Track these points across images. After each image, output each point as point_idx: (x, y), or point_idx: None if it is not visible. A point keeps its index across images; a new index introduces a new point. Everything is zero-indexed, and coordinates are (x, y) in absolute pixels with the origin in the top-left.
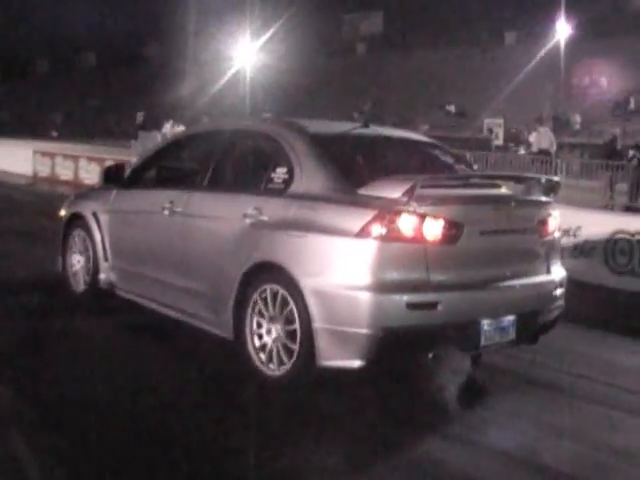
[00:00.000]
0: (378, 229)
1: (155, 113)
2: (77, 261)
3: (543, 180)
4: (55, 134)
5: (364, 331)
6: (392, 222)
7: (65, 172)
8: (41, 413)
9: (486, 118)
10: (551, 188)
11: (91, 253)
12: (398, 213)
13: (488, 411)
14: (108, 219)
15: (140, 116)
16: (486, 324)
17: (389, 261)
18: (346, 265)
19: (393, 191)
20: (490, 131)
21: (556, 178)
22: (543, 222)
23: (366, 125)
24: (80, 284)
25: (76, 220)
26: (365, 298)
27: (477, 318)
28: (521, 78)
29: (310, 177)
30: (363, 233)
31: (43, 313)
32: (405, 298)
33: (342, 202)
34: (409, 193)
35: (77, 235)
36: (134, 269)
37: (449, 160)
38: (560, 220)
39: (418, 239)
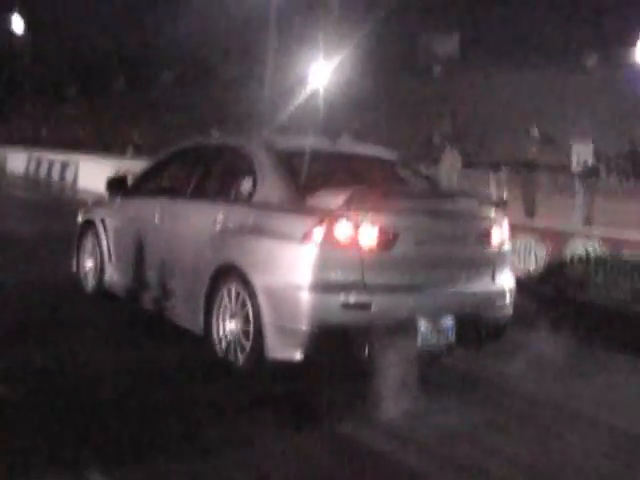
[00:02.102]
0: (318, 235)
1: (230, 131)
2: (88, 263)
3: (491, 197)
4: (132, 151)
5: (303, 327)
6: (330, 229)
7: None
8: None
9: (574, 143)
10: (498, 204)
11: (98, 256)
12: (335, 221)
13: (423, 403)
14: (113, 225)
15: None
16: (423, 326)
17: (327, 264)
18: (290, 267)
19: (333, 201)
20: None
21: (500, 194)
22: (485, 234)
23: (333, 142)
24: (90, 283)
25: (88, 226)
26: (304, 297)
27: (413, 319)
28: (605, 102)
29: (269, 188)
30: (305, 238)
31: (56, 307)
32: (340, 298)
33: (290, 210)
34: (347, 203)
35: (89, 240)
36: (128, 271)
37: (407, 176)
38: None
39: (354, 245)
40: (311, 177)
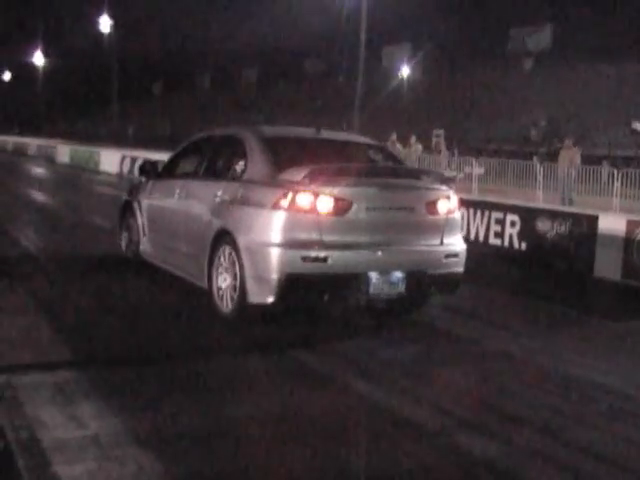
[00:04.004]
0: (284, 203)
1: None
2: (127, 236)
3: (442, 175)
4: None
5: (273, 276)
6: (293, 199)
7: None
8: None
9: None
10: (447, 180)
11: (135, 231)
12: (297, 192)
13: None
14: (145, 204)
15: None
16: (374, 277)
17: (291, 226)
18: (264, 229)
19: (298, 176)
20: None
21: (450, 173)
22: (432, 203)
23: (318, 131)
24: (129, 252)
25: (128, 205)
26: (274, 252)
27: (365, 272)
28: None
29: (255, 167)
30: (275, 206)
31: (103, 269)
32: (302, 253)
33: (266, 184)
34: (307, 177)
35: (129, 217)
36: (158, 241)
37: (376, 158)
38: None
39: (313, 211)
40: (290, 158)
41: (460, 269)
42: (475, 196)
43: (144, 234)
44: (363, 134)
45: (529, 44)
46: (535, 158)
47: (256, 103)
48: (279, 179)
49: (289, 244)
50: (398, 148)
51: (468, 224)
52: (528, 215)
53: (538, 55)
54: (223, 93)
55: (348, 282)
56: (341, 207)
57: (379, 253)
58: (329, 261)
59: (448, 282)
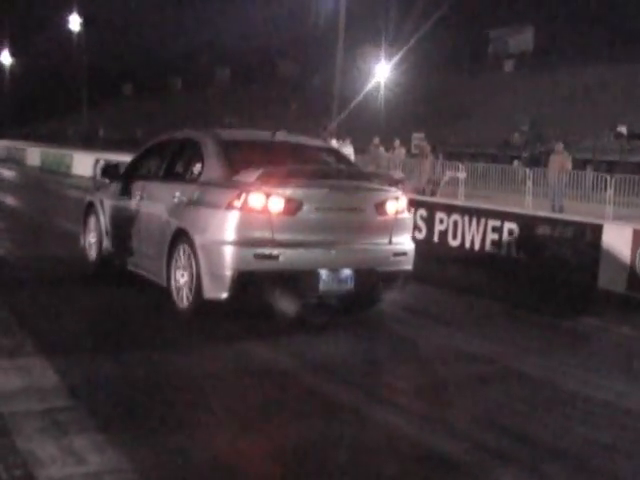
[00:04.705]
0: (237, 203)
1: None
2: (91, 237)
3: (391, 176)
4: None
5: (227, 273)
6: (245, 199)
7: None
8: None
9: None
10: (396, 182)
11: (98, 231)
12: (250, 192)
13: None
14: (107, 205)
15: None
16: (324, 274)
17: (244, 225)
18: (218, 228)
19: (251, 177)
20: None
21: (398, 175)
22: (381, 204)
23: (273, 134)
24: (93, 254)
25: (91, 206)
26: (227, 250)
27: (315, 269)
28: None
29: (210, 169)
30: (229, 206)
31: (66, 270)
32: (254, 251)
33: (220, 186)
34: (259, 179)
35: (92, 218)
36: (120, 241)
37: (329, 160)
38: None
39: (265, 211)
40: (244, 161)
41: (409, 267)
42: (471, 203)
43: (107, 234)
44: (341, 137)
45: (510, 46)
46: (516, 162)
47: (228, 105)
48: (233, 181)
49: (242, 242)
50: (381, 152)
51: (463, 232)
52: (527, 223)
53: (519, 57)
54: (196, 94)
55: (299, 279)
56: (292, 207)
57: (329, 251)
58: (280, 258)
59: (396, 279)
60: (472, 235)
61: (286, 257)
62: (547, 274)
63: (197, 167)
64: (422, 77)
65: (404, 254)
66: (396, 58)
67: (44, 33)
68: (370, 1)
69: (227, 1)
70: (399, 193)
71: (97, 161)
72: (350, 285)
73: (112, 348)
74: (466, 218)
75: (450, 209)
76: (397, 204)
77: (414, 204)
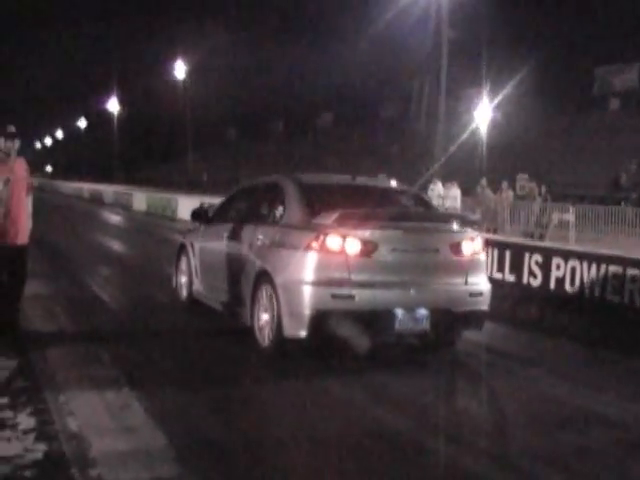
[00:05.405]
0: (315, 245)
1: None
2: (182, 278)
3: (465, 217)
4: None
5: (306, 311)
6: (323, 241)
7: None
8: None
9: None
10: (470, 223)
11: (189, 272)
12: (327, 234)
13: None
14: (197, 247)
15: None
16: (400, 313)
17: (322, 266)
18: (297, 268)
19: (329, 220)
20: None
21: (473, 217)
22: (457, 245)
23: (353, 178)
24: (184, 293)
25: (183, 248)
26: (306, 289)
27: (391, 308)
28: None
29: (291, 212)
30: (307, 247)
31: (158, 310)
32: (331, 291)
33: (300, 228)
34: (336, 222)
35: (183, 260)
36: (208, 282)
37: (407, 202)
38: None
39: (342, 252)
40: (323, 203)
41: (484, 307)
42: (589, 248)
43: (197, 275)
44: (443, 180)
45: (616, 84)
46: (623, 204)
47: (331, 148)
48: (312, 223)
49: (320, 282)
50: (488, 193)
51: (582, 279)
52: None
53: (625, 95)
54: (297, 138)
55: (374, 318)
56: (368, 248)
57: (404, 291)
58: (356, 298)
59: (472, 319)
60: (591, 282)
61: (362, 297)
62: None
63: (279, 210)
64: (524, 118)
65: (480, 294)
66: (499, 98)
67: (150, 81)
68: (471, 44)
69: (326, 46)
70: (475, 234)
71: (201, 205)
72: (426, 325)
73: (211, 402)
74: (585, 264)
75: (566, 254)
76: (473, 245)
77: (529, 250)
